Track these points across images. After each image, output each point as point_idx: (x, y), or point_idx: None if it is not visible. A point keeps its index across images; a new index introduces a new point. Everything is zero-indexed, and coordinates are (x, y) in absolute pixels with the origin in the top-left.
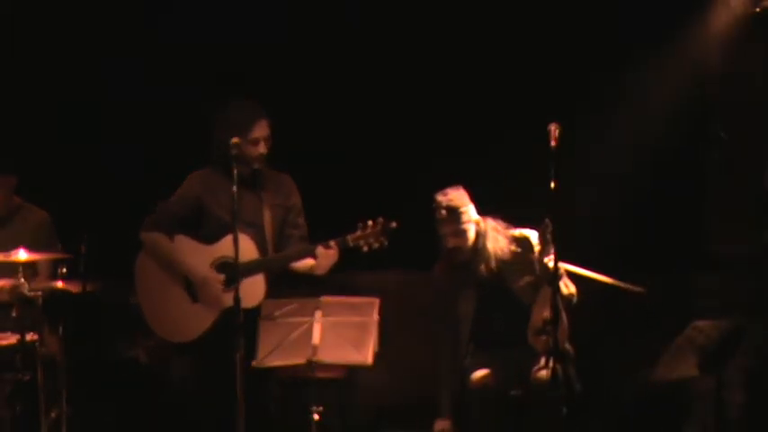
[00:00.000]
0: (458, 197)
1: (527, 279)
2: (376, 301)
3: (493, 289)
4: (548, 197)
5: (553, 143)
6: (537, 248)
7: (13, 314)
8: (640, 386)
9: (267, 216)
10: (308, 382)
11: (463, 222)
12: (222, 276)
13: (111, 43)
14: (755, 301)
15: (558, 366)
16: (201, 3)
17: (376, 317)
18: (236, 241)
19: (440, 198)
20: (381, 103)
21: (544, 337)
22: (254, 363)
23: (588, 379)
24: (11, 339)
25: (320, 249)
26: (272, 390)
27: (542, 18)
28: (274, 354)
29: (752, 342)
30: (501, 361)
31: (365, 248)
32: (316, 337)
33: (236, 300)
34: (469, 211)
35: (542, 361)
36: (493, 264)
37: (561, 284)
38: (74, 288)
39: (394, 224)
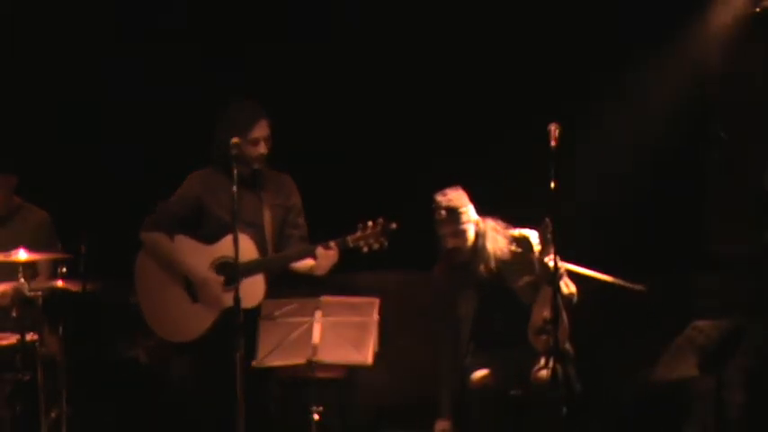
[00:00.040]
0: (457, 198)
1: (527, 279)
2: (376, 301)
3: (493, 289)
4: (548, 197)
5: (553, 143)
6: (537, 248)
7: (13, 314)
8: (640, 386)
9: (267, 216)
10: (308, 382)
11: (462, 223)
12: (222, 278)
13: (111, 43)
14: (755, 301)
15: (558, 366)
16: (201, 3)
17: (376, 317)
18: (236, 241)
19: (439, 198)
20: (381, 103)
21: (544, 337)
22: (254, 363)
23: (588, 379)
24: (11, 339)
25: (320, 250)
26: (272, 390)
27: (542, 18)
28: (274, 354)
29: (752, 342)
30: (501, 361)
31: (365, 249)
32: (316, 337)
33: (236, 300)
34: (469, 212)
35: (542, 361)
36: (492, 264)
37: (561, 284)
38: (74, 287)
39: (394, 225)
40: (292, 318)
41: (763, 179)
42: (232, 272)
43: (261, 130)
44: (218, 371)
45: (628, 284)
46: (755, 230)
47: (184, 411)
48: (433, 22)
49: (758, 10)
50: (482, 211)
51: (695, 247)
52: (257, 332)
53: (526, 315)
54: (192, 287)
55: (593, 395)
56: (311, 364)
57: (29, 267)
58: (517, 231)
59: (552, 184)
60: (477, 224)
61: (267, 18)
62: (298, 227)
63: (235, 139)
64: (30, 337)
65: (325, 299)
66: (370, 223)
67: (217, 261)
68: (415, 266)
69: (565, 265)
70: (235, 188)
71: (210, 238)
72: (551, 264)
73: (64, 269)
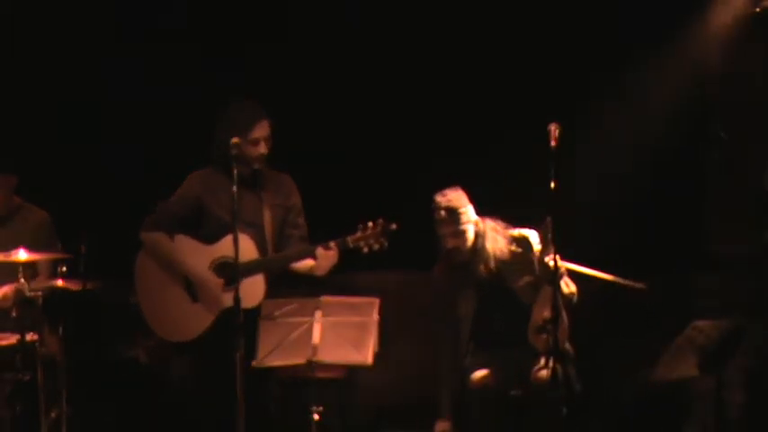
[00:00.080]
0: (456, 198)
1: (526, 279)
2: (376, 301)
3: (492, 289)
4: (548, 197)
5: (553, 143)
6: (536, 248)
7: (13, 314)
8: (640, 386)
9: (267, 216)
10: (308, 382)
11: (462, 223)
12: (222, 280)
13: (111, 43)
14: (755, 301)
15: (558, 366)
16: (201, 3)
17: (376, 317)
18: (236, 241)
19: (439, 199)
20: (381, 103)
21: (544, 336)
22: (254, 363)
23: (588, 379)
24: (11, 339)
25: (320, 250)
26: (272, 390)
27: (542, 18)
28: (274, 354)
29: (752, 342)
30: (501, 361)
31: (365, 250)
32: (316, 337)
33: (236, 300)
34: (468, 212)
35: (542, 361)
36: (492, 264)
37: (562, 283)
38: (74, 287)
39: (394, 226)
40: (292, 318)
41: (763, 179)
42: (232, 272)
43: (261, 131)
44: (218, 371)
45: (628, 283)
46: (755, 230)
47: (184, 411)
48: (433, 23)
49: (758, 10)
50: (482, 211)
51: (695, 247)
52: (257, 332)
53: (526, 315)
54: (191, 287)
55: (593, 395)
56: (311, 364)
57: (29, 267)
58: (517, 231)
59: (552, 184)
60: (476, 224)
61: (267, 18)
62: (298, 227)
63: (235, 139)
64: (30, 337)
65: (325, 299)
66: (370, 224)
67: (217, 261)
68: (415, 266)
69: (565, 265)
70: (235, 188)
71: (210, 238)
72: (552, 263)
73: (64, 269)
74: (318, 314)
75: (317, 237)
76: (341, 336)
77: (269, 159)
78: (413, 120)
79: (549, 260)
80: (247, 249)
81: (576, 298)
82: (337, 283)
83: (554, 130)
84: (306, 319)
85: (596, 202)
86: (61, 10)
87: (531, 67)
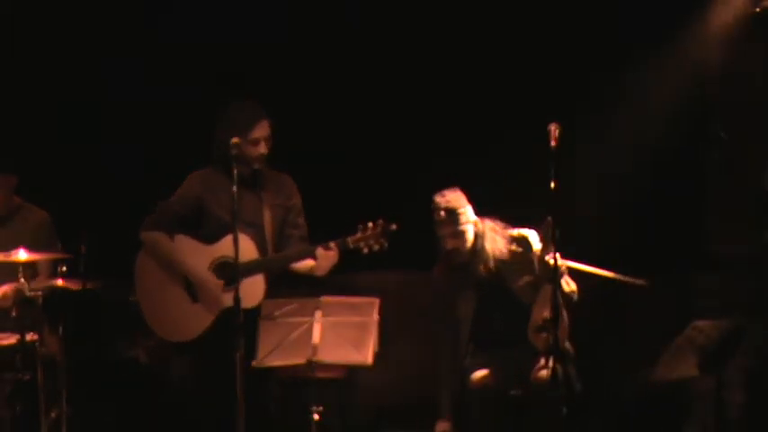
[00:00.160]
0: (455, 198)
1: (526, 279)
2: (376, 301)
3: (492, 289)
4: (548, 197)
5: (553, 143)
6: (536, 248)
7: (13, 314)
8: (640, 386)
9: (267, 216)
10: (308, 382)
11: (461, 224)
12: (222, 280)
13: (111, 43)
14: (755, 301)
15: (558, 366)
16: (201, 3)
17: (376, 317)
18: (236, 241)
19: (438, 200)
20: (381, 103)
21: (544, 335)
22: (254, 363)
23: (588, 379)
24: (11, 339)
25: (320, 251)
26: (272, 390)
27: (542, 18)
28: (274, 354)
29: (752, 342)
30: (501, 361)
31: (365, 250)
32: (316, 337)
33: (236, 300)
34: (467, 213)
35: (542, 360)
36: (492, 264)
37: (562, 282)
38: (74, 287)
39: (394, 226)
40: (292, 318)
41: (763, 179)
42: (232, 272)
43: (261, 131)
44: (218, 371)
45: (629, 279)
46: (755, 230)
47: (184, 411)
48: (433, 23)
49: (758, 10)
50: (482, 211)
51: (695, 247)
52: (257, 332)
53: (526, 315)
54: (191, 287)
55: (593, 395)
56: (311, 364)
57: (29, 267)
58: (516, 231)
59: (552, 184)
60: (475, 225)
61: (267, 18)
62: (298, 227)
63: (235, 139)
64: (30, 337)
65: (325, 299)
66: (370, 224)
67: (217, 261)
68: (415, 266)
69: (566, 263)
70: (235, 188)
71: (210, 237)
72: (552, 262)
73: (64, 269)
74: (318, 314)
75: (317, 237)
76: (341, 336)
77: (269, 159)
78: (413, 120)
79: (550, 258)
80: (247, 249)
81: (576, 296)
82: (337, 283)
83: (554, 130)
84: (306, 319)
85: (596, 202)
86: (61, 10)
87: (531, 67)
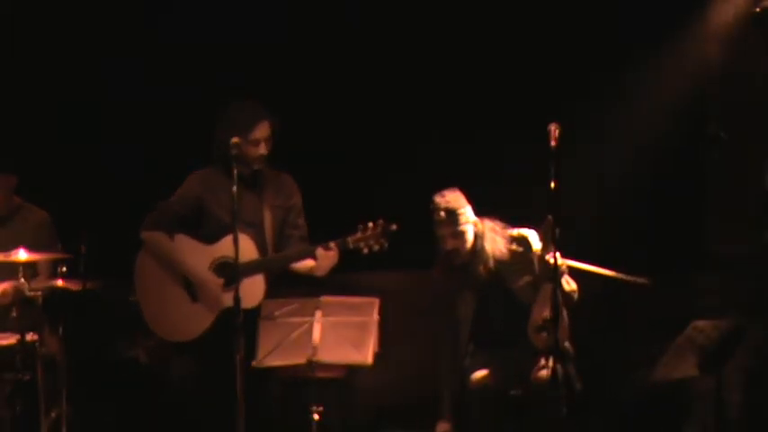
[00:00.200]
0: (455, 199)
1: (526, 279)
2: (376, 301)
3: (492, 289)
4: (548, 197)
5: (553, 143)
6: (536, 247)
7: (13, 314)
8: (640, 386)
9: (267, 216)
10: (308, 382)
11: (461, 224)
12: (222, 280)
13: (111, 43)
14: (755, 301)
15: (558, 366)
16: (201, 3)
17: (376, 317)
18: (236, 241)
19: (437, 200)
20: (381, 103)
21: (544, 334)
22: (254, 363)
23: (588, 378)
24: (11, 339)
25: (320, 251)
26: (272, 390)
27: (542, 18)
28: (274, 354)
29: (752, 342)
30: (500, 361)
31: (365, 250)
32: (316, 336)
33: (236, 300)
34: (467, 213)
35: (542, 360)
36: (491, 264)
37: (563, 281)
38: (74, 287)
39: (394, 226)
40: (292, 318)
41: (763, 179)
42: (232, 272)
43: (261, 131)
44: (218, 371)
45: (630, 278)
46: (755, 230)
47: (184, 411)
48: (433, 22)
49: (758, 10)
50: (481, 211)
51: (695, 247)
52: (257, 332)
53: (525, 315)
54: (191, 287)
55: (593, 395)
56: (311, 364)
57: (29, 267)
58: (515, 231)
59: (552, 184)
60: (475, 225)
61: (267, 18)
62: (298, 227)
63: (235, 139)
64: (30, 337)
65: (325, 299)
66: (370, 224)
67: (217, 261)
68: (415, 266)
69: (566, 262)
70: (235, 188)
71: (210, 237)
72: (552, 261)
73: (64, 269)
74: (318, 314)
75: (317, 237)
76: (341, 336)
77: (269, 159)
78: (413, 120)
79: (550, 258)
80: (247, 249)
81: (576, 296)
82: (337, 283)
83: (554, 130)
84: (306, 319)
85: (596, 202)
86: (61, 10)
87: (531, 67)
